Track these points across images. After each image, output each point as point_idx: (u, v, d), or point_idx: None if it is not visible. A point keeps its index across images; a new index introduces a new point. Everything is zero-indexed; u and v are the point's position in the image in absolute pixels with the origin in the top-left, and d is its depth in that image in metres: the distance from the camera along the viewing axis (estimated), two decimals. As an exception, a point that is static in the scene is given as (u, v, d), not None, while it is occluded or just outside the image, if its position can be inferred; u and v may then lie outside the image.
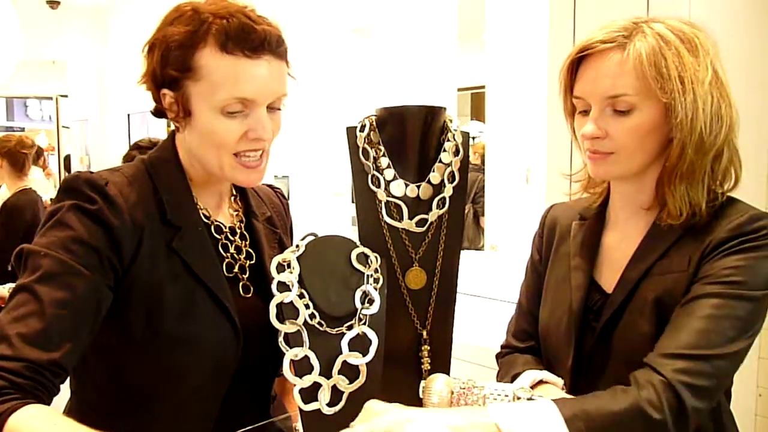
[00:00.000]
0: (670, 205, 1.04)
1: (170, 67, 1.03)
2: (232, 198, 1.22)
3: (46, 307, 0.91)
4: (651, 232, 1.08)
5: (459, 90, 3.41)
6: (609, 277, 1.12)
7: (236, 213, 1.21)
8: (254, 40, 1.01)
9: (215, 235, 1.14)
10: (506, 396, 1.01)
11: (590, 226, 1.19)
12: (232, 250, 1.16)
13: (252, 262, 1.18)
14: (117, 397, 1.08)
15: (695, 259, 1.01)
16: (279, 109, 1.09)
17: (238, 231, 1.19)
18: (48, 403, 0.89)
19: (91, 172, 1.04)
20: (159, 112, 1.11)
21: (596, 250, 1.16)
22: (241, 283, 1.15)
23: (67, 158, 8.68)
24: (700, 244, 1.02)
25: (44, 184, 6.73)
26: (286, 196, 1.38)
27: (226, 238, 1.16)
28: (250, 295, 1.16)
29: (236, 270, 1.15)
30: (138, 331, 1.02)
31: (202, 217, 1.13)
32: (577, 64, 1.08)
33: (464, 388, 1.03)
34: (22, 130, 11.93)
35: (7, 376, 0.86)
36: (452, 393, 1.03)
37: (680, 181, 1.02)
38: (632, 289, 1.06)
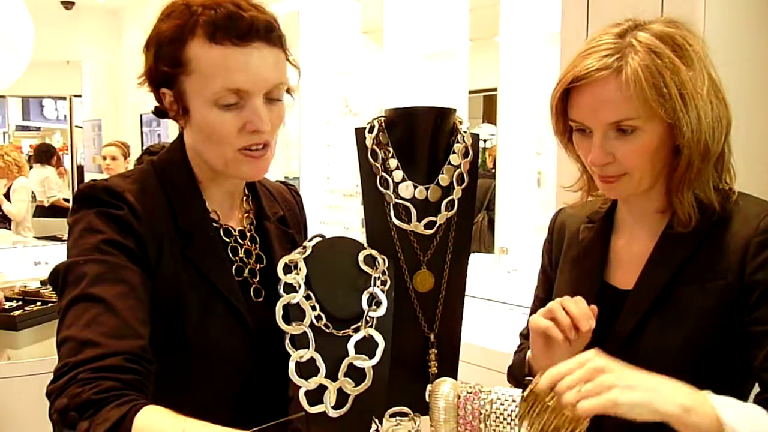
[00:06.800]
0: (679, 212, 1.04)
1: (163, 63, 1.02)
2: (244, 198, 1.20)
3: (112, 303, 0.90)
4: (668, 233, 1.07)
5: (471, 92, 3.39)
6: (623, 277, 1.11)
7: (247, 215, 1.19)
8: (241, 27, 0.98)
9: (224, 238, 1.13)
10: (513, 401, 1.00)
11: (599, 229, 1.17)
12: (241, 253, 1.14)
13: (262, 265, 1.17)
14: None
15: (735, 263, 1.00)
16: (279, 100, 1.05)
17: (248, 234, 1.17)
18: (149, 393, 0.88)
19: (106, 180, 1.04)
20: (160, 112, 1.09)
21: (606, 252, 1.15)
22: (252, 287, 1.14)
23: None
24: (732, 245, 1.01)
25: (57, 182, 6.81)
26: (299, 193, 1.36)
27: (235, 241, 1.14)
28: (261, 298, 1.14)
29: (246, 274, 1.14)
30: (158, 337, 0.99)
31: (212, 222, 1.12)
32: (568, 88, 1.05)
33: (471, 393, 1.02)
34: (38, 129, 12.02)
35: (112, 375, 0.84)
36: (459, 397, 1.02)
37: (688, 188, 1.02)
38: (662, 293, 1.04)
